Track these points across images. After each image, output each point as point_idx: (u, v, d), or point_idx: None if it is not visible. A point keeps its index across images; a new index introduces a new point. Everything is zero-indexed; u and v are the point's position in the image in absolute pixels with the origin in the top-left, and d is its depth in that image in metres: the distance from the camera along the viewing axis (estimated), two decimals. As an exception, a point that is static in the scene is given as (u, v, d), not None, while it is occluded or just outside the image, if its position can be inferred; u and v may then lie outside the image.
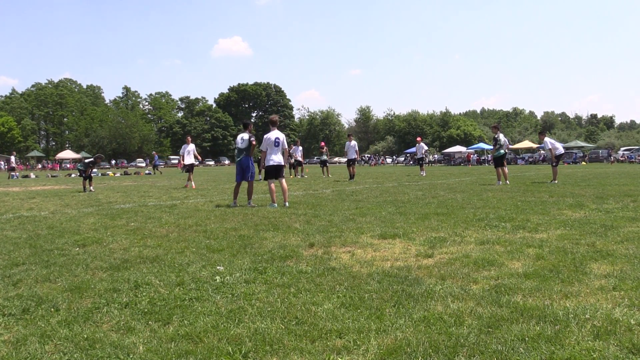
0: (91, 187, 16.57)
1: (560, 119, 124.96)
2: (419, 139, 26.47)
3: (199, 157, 18.20)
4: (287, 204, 9.99)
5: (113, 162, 79.30)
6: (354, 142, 20.56)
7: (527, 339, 2.85)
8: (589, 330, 2.96)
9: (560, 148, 16.57)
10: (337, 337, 2.97)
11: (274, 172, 10.19)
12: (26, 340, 3.04)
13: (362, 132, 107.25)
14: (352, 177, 19.80)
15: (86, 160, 17.63)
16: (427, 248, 5.47)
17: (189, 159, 17.72)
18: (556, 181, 15.49)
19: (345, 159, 21.09)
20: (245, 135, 10.53)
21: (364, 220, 7.67)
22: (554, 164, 16.03)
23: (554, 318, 3.16)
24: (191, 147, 17.83)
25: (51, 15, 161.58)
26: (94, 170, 18.75)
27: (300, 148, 25.15)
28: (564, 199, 10.21)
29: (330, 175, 23.75)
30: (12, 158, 37.58)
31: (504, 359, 2.63)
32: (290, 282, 4.17)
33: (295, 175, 24.04)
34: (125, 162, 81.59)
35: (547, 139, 16.09)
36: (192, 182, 17.59)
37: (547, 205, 9.04)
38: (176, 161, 63.01)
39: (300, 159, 24.71)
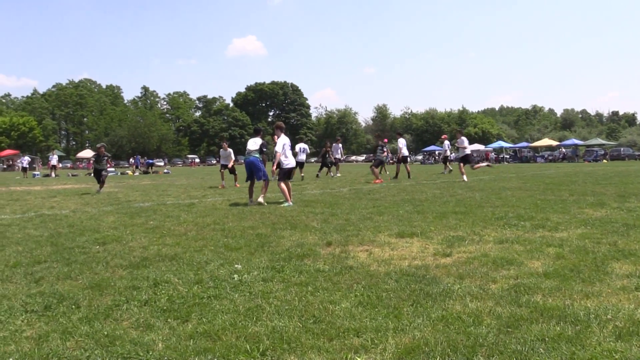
0: (99, 189, 15.62)
1: (580, 116, 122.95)
2: (444, 136, 26.41)
3: (233, 162, 18.87)
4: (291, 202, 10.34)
5: (131, 160, 79.34)
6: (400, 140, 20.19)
7: (547, 339, 2.82)
8: (611, 331, 2.91)
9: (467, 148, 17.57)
10: (354, 336, 2.96)
11: (290, 174, 10.67)
12: (48, 337, 3.09)
13: (379, 130, 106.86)
14: (409, 175, 19.87)
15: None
16: (445, 247, 5.43)
17: (226, 162, 18.51)
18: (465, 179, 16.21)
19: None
20: (258, 140, 10.85)
21: (382, 219, 7.65)
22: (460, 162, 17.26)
23: (574, 318, 3.11)
24: (229, 151, 18.48)
25: (69, 17, 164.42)
26: (111, 169, 18.71)
27: (340, 146, 24.15)
28: (584, 197, 10.06)
29: (337, 175, 23.05)
30: (55, 157, 35.86)
31: (523, 359, 2.60)
32: (307, 281, 4.18)
33: (328, 174, 22.99)
34: (160, 161, 77.97)
35: (463, 137, 17.25)
36: (237, 182, 18.41)
37: (567, 204, 8.92)
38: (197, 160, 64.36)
39: (339, 156, 23.72)
